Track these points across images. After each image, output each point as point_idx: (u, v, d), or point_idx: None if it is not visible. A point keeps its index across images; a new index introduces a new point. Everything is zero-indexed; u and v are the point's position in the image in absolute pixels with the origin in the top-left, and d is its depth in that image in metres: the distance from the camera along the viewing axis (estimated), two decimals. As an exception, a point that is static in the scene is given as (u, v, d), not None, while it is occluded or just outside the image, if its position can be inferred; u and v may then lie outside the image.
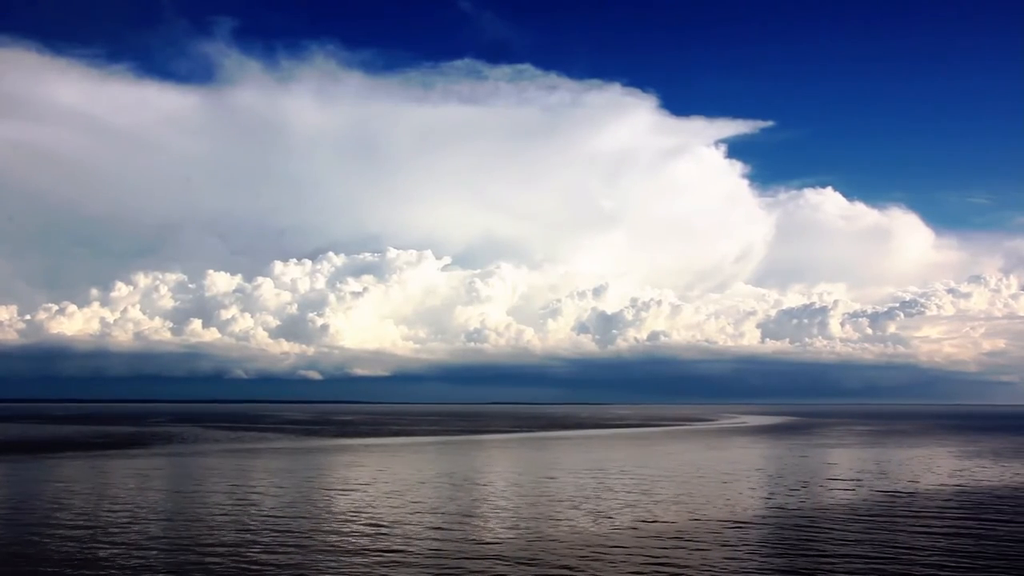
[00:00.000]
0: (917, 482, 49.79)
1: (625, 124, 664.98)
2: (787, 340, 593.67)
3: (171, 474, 55.27)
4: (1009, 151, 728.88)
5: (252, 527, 32.72)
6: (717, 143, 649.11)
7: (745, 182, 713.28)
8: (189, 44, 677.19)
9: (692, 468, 58.92)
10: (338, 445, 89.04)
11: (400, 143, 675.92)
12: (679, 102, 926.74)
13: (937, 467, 60.99)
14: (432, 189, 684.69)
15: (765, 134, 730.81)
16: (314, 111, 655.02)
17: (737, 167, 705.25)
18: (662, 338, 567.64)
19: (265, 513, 36.31)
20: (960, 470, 58.30)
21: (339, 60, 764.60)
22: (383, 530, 32.14)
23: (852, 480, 50.82)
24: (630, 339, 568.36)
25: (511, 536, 30.92)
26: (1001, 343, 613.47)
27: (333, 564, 26.29)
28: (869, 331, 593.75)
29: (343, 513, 36.54)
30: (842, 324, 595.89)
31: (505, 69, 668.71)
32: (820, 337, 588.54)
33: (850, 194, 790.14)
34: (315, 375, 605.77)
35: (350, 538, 30.46)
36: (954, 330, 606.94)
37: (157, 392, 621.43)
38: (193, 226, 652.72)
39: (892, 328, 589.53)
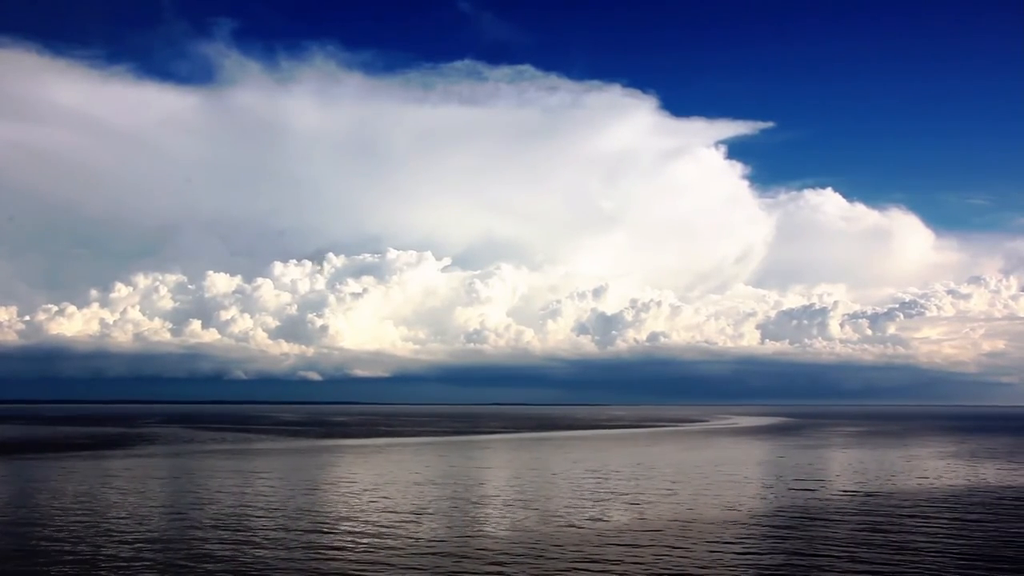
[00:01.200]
0: (879, 482, 49.65)
1: (625, 125, 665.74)
2: (787, 341, 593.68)
3: (136, 475, 55.19)
4: (1009, 152, 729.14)
5: (199, 527, 32.68)
6: (717, 144, 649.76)
7: (745, 183, 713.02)
8: (189, 45, 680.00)
9: (657, 468, 58.86)
10: (319, 446, 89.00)
11: (400, 144, 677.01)
12: (679, 103, 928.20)
13: (906, 468, 60.79)
14: (432, 190, 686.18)
15: (765, 135, 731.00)
16: (314, 112, 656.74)
17: (737, 168, 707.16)
18: (662, 339, 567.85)
19: (216, 512, 36.26)
20: (929, 471, 58.12)
21: (339, 61, 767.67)
22: (332, 528, 32.08)
23: (816, 481, 50.66)
24: (630, 340, 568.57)
25: (446, 535, 30.87)
26: (1001, 344, 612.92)
27: (271, 561, 26.24)
28: (869, 332, 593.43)
29: (293, 512, 36.47)
30: (842, 325, 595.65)
31: (505, 70, 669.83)
32: (820, 338, 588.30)
33: (850, 195, 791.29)
34: (315, 376, 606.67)
35: (298, 535, 30.40)
36: (954, 331, 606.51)
37: (157, 393, 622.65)
38: (193, 227, 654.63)
39: (892, 329, 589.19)
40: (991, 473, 56.84)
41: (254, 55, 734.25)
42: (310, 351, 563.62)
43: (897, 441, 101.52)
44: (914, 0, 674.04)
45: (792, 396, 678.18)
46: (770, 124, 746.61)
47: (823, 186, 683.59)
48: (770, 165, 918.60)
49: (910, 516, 36.17)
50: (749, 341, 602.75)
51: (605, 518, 35.54)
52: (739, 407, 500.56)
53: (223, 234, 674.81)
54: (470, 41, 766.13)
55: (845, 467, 61.41)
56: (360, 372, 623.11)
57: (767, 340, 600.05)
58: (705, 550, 28.54)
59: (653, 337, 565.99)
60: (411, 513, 36.81)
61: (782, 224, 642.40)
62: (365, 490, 45.46)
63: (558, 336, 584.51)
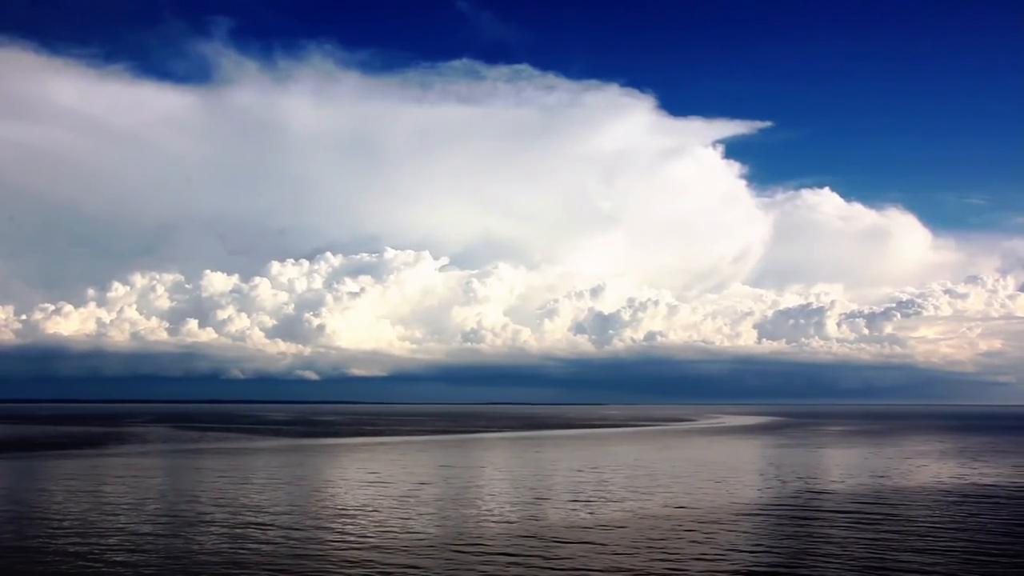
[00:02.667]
0: (836, 481, 49.57)
1: (623, 124, 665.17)
2: (784, 340, 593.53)
3: (94, 474, 55.11)
4: (1007, 152, 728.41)
5: (137, 524, 32.64)
6: (715, 143, 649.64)
7: (743, 182, 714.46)
8: (186, 44, 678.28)
9: (621, 467, 58.89)
10: (295, 445, 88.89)
11: (398, 143, 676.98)
12: (677, 102, 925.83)
13: (871, 466, 60.69)
14: (430, 189, 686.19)
15: (763, 134, 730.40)
16: (312, 111, 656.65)
17: (735, 167, 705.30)
18: (659, 338, 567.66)
19: (156, 509, 36.22)
20: (893, 468, 58.04)
21: (336, 60, 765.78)
22: (266, 525, 32.04)
23: (773, 478, 50.58)
24: (627, 339, 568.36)
25: (375, 534, 30.83)
26: (998, 343, 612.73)
27: (200, 557, 26.19)
28: (866, 331, 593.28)
29: (237, 508, 36.42)
30: (839, 324, 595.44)
31: (503, 69, 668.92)
32: (817, 337, 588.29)
33: (848, 194, 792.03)
34: (312, 375, 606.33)
35: (231, 532, 30.36)
36: (951, 330, 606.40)
37: (153, 392, 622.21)
38: (191, 226, 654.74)
39: (889, 328, 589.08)
40: (948, 470, 56.76)
41: (252, 54, 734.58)
42: (307, 350, 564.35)
43: (875, 439, 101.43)
44: (912, 0, 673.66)
45: (789, 396, 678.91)
46: (768, 124, 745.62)
47: (820, 185, 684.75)
48: (768, 164, 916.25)
49: (844, 512, 36.11)
50: (746, 340, 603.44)
51: (539, 517, 35.46)
52: (736, 407, 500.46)
53: (220, 233, 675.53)
54: (468, 40, 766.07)
55: (806, 465, 61.28)
56: (357, 371, 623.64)
57: (764, 339, 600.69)
58: (628, 550, 28.49)
59: (650, 336, 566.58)
60: (343, 512, 36.76)
61: (779, 223, 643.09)
62: (315, 489, 45.45)
63: (555, 335, 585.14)
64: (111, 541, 29.76)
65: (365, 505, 39.05)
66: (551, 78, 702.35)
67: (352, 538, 30.47)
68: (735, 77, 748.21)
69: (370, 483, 48.63)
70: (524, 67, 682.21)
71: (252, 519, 34.68)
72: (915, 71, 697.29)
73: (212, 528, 32.57)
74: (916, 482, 50.09)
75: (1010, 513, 37.22)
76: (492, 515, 36.08)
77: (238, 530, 32.04)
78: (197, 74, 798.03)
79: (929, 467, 61.09)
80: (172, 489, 45.51)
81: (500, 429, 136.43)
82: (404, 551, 28.15)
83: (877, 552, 28.00)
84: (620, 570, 25.43)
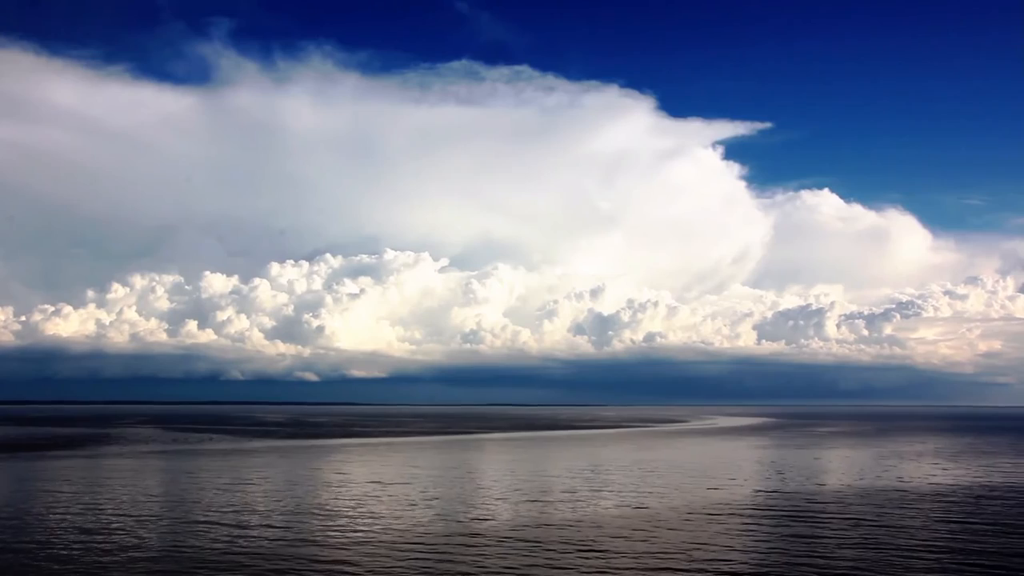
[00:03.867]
0: (797, 481, 49.46)
1: (623, 125, 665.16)
2: (783, 341, 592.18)
3: (63, 476, 55.10)
4: (1006, 153, 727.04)
5: (87, 525, 32.62)
6: (714, 144, 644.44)
7: (742, 183, 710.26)
8: (186, 45, 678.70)
9: (591, 467, 58.83)
10: (275, 446, 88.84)
11: (397, 144, 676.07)
12: (677, 103, 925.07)
13: (839, 467, 60.61)
14: (430, 190, 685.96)
15: (762, 135, 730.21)
16: (311, 112, 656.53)
17: (734, 168, 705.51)
18: (658, 339, 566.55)
19: (110, 512, 36.19)
20: (858, 469, 57.89)
21: (336, 61, 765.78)
22: (232, 526, 32.00)
23: (734, 479, 50.46)
24: (626, 340, 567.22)
25: (322, 535, 30.78)
26: (997, 344, 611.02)
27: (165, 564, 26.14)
28: (865, 332, 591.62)
29: (194, 509, 36.39)
30: (838, 325, 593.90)
31: (503, 70, 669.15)
32: (816, 338, 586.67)
33: (847, 195, 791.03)
34: (311, 376, 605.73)
35: (190, 534, 30.32)
36: (950, 331, 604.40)
37: (153, 394, 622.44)
38: (190, 227, 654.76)
39: (888, 329, 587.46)
40: (914, 471, 56.63)
41: (251, 55, 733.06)
42: (306, 352, 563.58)
43: (859, 441, 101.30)
44: (911, 1, 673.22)
45: (789, 396, 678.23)
46: (767, 124, 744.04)
47: (820, 186, 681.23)
48: (767, 165, 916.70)
49: (783, 513, 36.03)
50: (746, 341, 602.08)
51: (494, 517, 35.39)
52: (735, 407, 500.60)
53: (220, 234, 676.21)
54: (467, 41, 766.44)
55: (777, 466, 61.13)
56: (356, 373, 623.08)
57: (763, 340, 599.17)
58: (564, 550, 28.41)
59: (649, 337, 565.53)
60: (291, 512, 36.70)
61: (779, 224, 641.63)
62: (274, 489, 45.39)
63: (555, 336, 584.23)
64: (48, 539, 29.73)
65: (320, 505, 38.99)
66: (551, 79, 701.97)
67: (290, 536, 30.41)
68: (735, 78, 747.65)
69: (334, 484, 48.57)
70: (524, 68, 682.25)
71: (201, 518, 34.63)
72: (915, 72, 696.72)
73: (158, 525, 32.53)
74: (874, 483, 49.92)
75: (938, 511, 37.09)
76: (426, 515, 35.99)
77: (181, 528, 32.01)
78: (196, 75, 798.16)
79: (897, 468, 60.89)
80: (130, 489, 45.43)
81: (488, 431, 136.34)
82: (343, 549, 28.09)
83: (796, 549, 27.93)
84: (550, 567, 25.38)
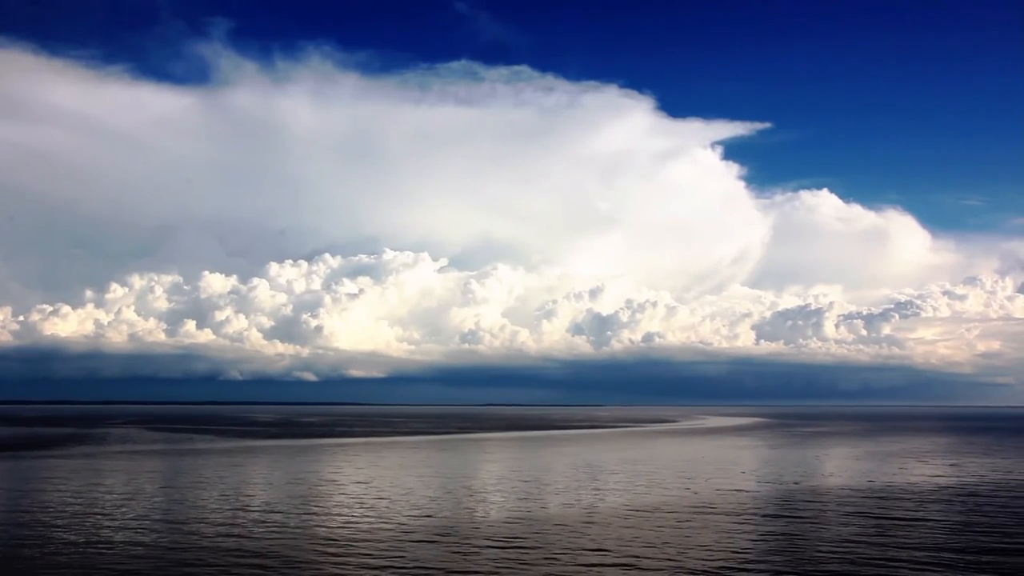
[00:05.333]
0: (753, 480, 49.31)
1: (622, 126, 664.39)
2: (782, 342, 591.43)
3: (27, 476, 55.06)
4: (1005, 153, 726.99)
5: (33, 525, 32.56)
6: (714, 145, 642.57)
7: (742, 184, 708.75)
8: (185, 45, 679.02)
9: (549, 467, 58.71)
10: (250, 447, 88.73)
11: (397, 145, 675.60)
12: (676, 104, 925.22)
13: (804, 467, 60.36)
14: (429, 191, 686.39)
15: (762, 136, 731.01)
16: (310, 112, 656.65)
17: (734, 169, 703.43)
18: (656, 339, 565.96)
19: (56, 512, 36.11)
20: (821, 469, 57.74)
21: (335, 61, 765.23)
22: (189, 526, 31.91)
23: (686, 479, 50.30)
24: (625, 340, 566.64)
25: (273, 536, 30.65)
26: (996, 345, 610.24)
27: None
28: (864, 332, 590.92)
29: (139, 512, 36.30)
30: (837, 326, 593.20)
31: (502, 70, 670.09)
32: (815, 339, 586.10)
33: (846, 196, 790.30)
34: (310, 376, 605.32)
35: (146, 534, 30.22)
36: (949, 332, 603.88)
37: (151, 394, 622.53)
38: (189, 227, 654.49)
39: (887, 330, 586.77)
40: (875, 471, 56.41)
41: (250, 55, 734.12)
42: (305, 352, 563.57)
43: (838, 441, 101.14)
44: (910, 1, 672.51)
45: (788, 397, 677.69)
46: (767, 125, 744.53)
47: (819, 187, 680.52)
48: (766, 166, 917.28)
49: (726, 513, 35.88)
50: (744, 342, 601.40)
51: (435, 516, 35.27)
52: (733, 408, 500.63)
53: (219, 234, 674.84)
54: (466, 41, 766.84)
55: (740, 465, 60.92)
56: (355, 373, 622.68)
57: (762, 341, 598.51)
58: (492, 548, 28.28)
59: (648, 338, 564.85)
60: (227, 511, 36.59)
61: (778, 225, 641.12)
62: (224, 489, 45.29)
63: (553, 337, 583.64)
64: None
65: (261, 504, 38.86)
66: (550, 79, 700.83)
67: (212, 535, 30.30)
68: (734, 78, 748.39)
69: (285, 484, 48.44)
70: (523, 68, 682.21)
71: (132, 518, 34.56)
72: (914, 72, 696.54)
73: (83, 526, 32.44)
74: (828, 483, 49.77)
75: (864, 509, 36.94)
76: (366, 516, 35.86)
77: (106, 528, 31.92)
78: (196, 75, 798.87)
79: (858, 467, 60.75)
80: (79, 489, 45.34)
81: (476, 431, 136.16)
82: (267, 552, 28.00)
83: (719, 546, 27.80)
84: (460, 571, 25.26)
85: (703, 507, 38.79)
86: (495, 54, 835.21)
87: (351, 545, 29.26)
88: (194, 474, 55.41)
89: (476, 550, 28.41)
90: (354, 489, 45.87)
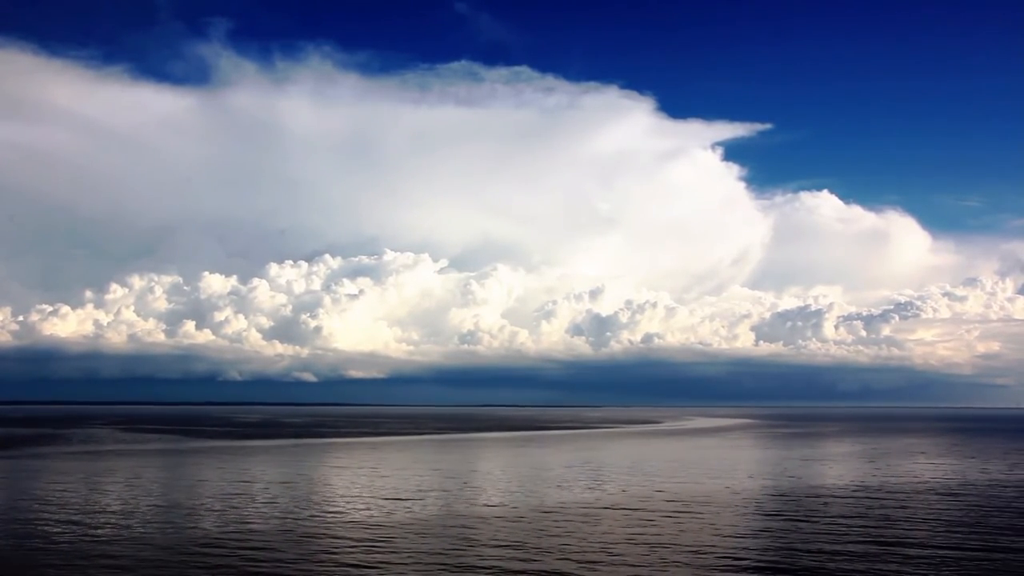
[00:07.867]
0: (723, 480, 48.65)
1: (622, 126, 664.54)
2: (781, 343, 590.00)
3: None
4: (1004, 154, 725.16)
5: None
6: (714, 146, 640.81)
7: (742, 185, 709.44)
8: (185, 45, 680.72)
9: (506, 467, 58.06)
10: (211, 447, 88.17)
11: (397, 145, 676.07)
12: (676, 104, 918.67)
13: (765, 467, 59.71)
14: (429, 191, 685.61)
15: (762, 137, 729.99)
16: (310, 113, 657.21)
17: (734, 170, 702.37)
18: (656, 340, 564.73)
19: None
20: (780, 470, 57.05)
21: (335, 62, 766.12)
22: (137, 527, 31.33)
23: (636, 478, 49.65)
24: (624, 341, 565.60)
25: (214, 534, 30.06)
26: (996, 346, 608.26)
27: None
28: (864, 333, 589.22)
29: (90, 512, 35.73)
30: (836, 327, 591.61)
31: (502, 71, 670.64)
32: (814, 339, 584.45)
33: (846, 197, 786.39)
34: (310, 377, 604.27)
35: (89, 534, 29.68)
36: (949, 333, 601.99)
37: (150, 394, 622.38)
38: (189, 228, 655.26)
39: (887, 331, 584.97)
40: (835, 472, 55.70)
41: (250, 56, 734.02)
42: (304, 352, 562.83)
43: (814, 441, 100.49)
44: (911, 2, 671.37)
45: (787, 398, 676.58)
46: (767, 126, 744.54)
47: (819, 188, 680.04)
48: (767, 167, 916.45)
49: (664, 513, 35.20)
50: (744, 343, 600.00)
51: (383, 514, 34.68)
52: (732, 408, 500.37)
53: (219, 235, 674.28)
54: (467, 42, 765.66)
55: (702, 466, 60.23)
56: (354, 373, 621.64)
57: (762, 342, 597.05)
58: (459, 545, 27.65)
59: (647, 338, 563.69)
60: (163, 510, 36.00)
61: (778, 226, 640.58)
62: (168, 490, 44.75)
63: (552, 337, 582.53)
64: None
65: (178, 504, 38.29)
66: (550, 80, 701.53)
67: (134, 534, 29.71)
68: (734, 79, 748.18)
69: (232, 482, 47.86)
70: (523, 69, 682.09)
71: (72, 519, 33.97)
72: (914, 73, 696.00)
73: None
74: (777, 484, 49.12)
75: (834, 510, 36.25)
76: (306, 514, 35.25)
77: (42, 528, 31.33)
78: (195, 75, 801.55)
79: (819, 468, 60.07)
80: (21, 488, 44.84)
81: (465, 431, 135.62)
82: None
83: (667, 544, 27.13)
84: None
85: (591, 507, 38.14)
86: (495, 54, 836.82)
87: (237, 547, 28.62)
88: (122, 474, 54.85)
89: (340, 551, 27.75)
90: (275, 490, 45.29)
